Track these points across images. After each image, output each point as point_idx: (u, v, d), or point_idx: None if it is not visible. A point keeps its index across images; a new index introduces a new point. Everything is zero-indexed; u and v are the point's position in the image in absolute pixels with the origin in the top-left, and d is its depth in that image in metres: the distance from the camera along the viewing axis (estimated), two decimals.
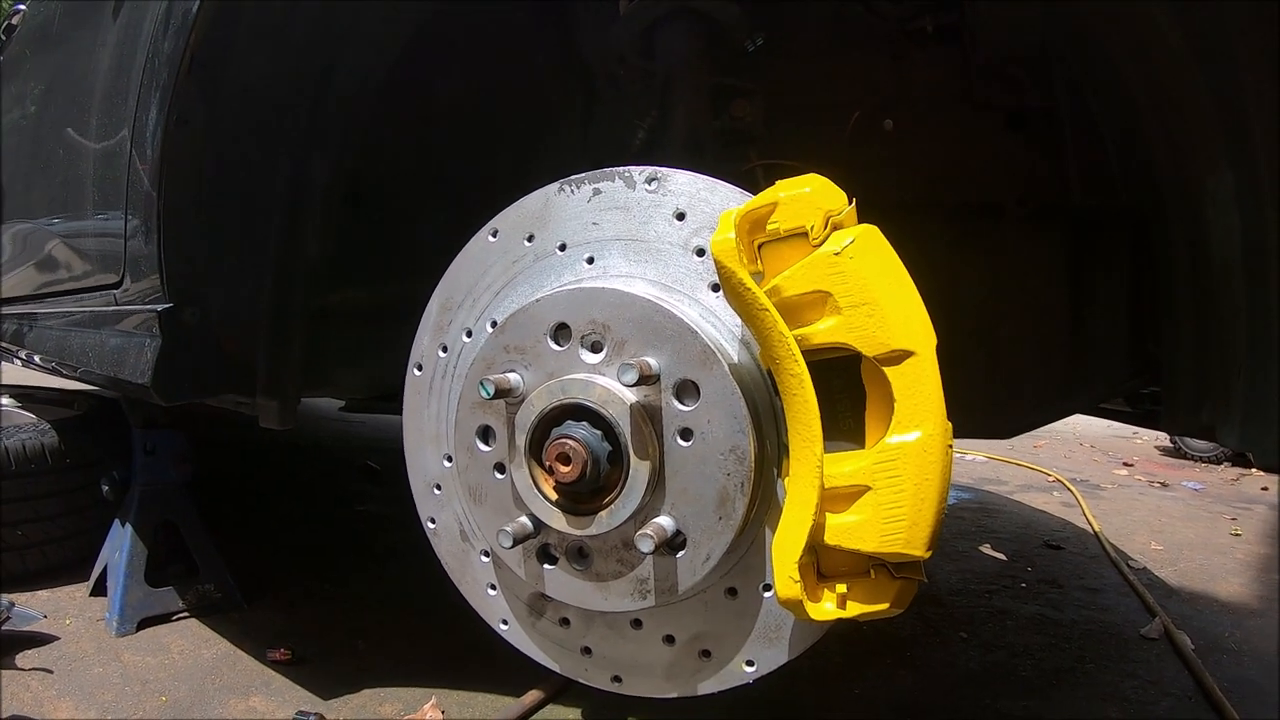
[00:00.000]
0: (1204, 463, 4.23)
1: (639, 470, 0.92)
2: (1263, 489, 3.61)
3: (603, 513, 0.94)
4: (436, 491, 1.16)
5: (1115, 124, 1.38)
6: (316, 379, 1.60)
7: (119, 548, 1.96)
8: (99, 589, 2.05)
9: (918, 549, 0.83)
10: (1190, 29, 1.03)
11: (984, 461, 4.05)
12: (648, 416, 0.91)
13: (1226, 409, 1.15)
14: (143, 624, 1.91)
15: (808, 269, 0.81)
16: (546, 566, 1.04)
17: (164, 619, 1.95)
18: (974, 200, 1.61)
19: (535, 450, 0.97)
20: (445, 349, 1.14)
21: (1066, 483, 3.63)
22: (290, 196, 1.42)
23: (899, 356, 0.79)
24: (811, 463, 0.80)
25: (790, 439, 0.83)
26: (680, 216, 0.98)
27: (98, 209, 1.64)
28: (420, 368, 1.16)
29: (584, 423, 0.93)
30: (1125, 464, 4.18)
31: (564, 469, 0.90)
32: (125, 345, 1.47)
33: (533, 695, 1.59)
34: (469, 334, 1.11)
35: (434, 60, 1.60)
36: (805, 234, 0.82)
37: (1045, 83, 1.50)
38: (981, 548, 2.72)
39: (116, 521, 2.04)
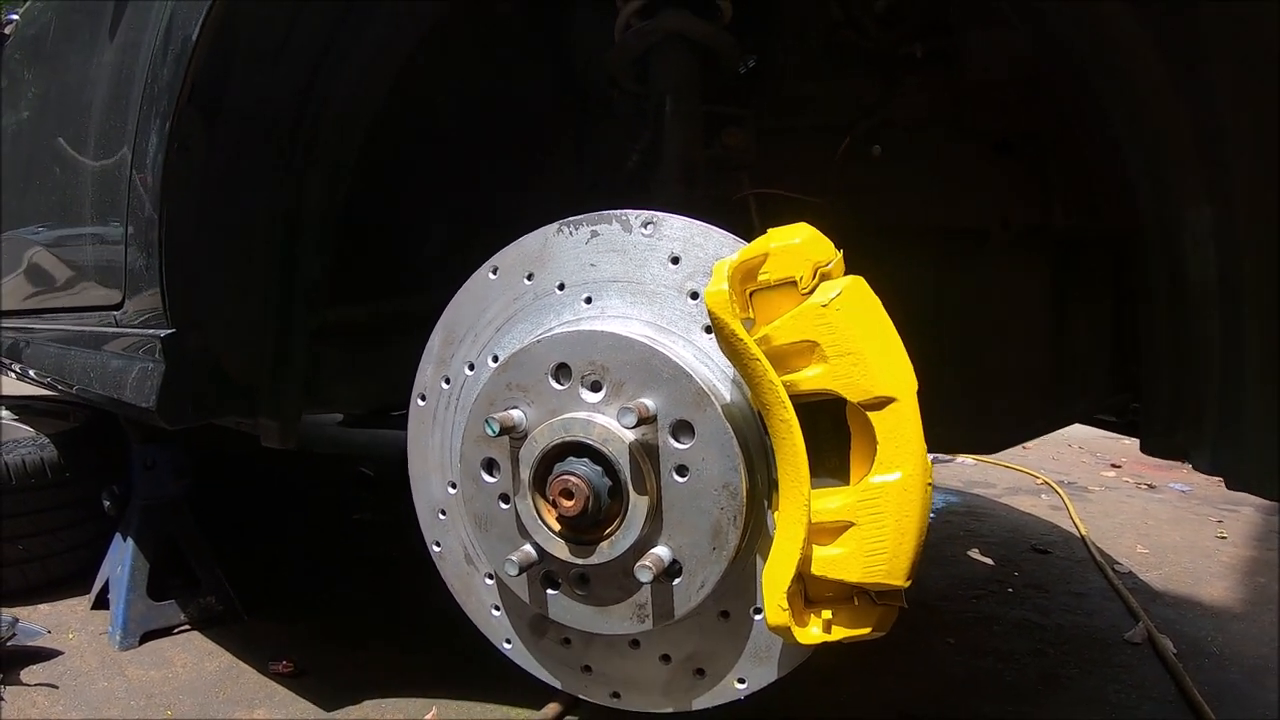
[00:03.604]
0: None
1: (638, 505, 0.97)
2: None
3: (604, 543, 0.99)
4: (441, 517, 1.21)
5: (1099, 152, 1.40)
6: (316, 396, 1.63)
7: (120, 562, 1.98)
8: (101, 602, 2.07)
9: (898, 579, 0.88)
10: (1171, 61, 1.03)
11: (972, 464, 4.08)
12: (646, 454, 0.96)
13: (1199, 435, 1.18)
14: (145, 637, 1.94)
15: (797, 319, 0.85)
16: (550, 591, 1.09)
17: (166, 632, 1.97)
18: (960, 223, 1.64)
19: (539, 484, 1.02)
20: (448, 381, 1.18)
21: (1054, 485, 3.67)
22: (290, 217, 1.44)
23: (882, 402, 0.83)
24: (799, 501, 0.84)
25: (779, 478, 0.87)
26: (675, 260, 1.02)
27: (96, 229, 1.66)
28: (424, 398, 1.20)
29: (585, 459, 0.98)
30: (1113, 465, 4.20)
31: (567, 503, 0.95)
32: (127, 368, 1.49)
33: (552, 708, 1.61)
34: (471, 367, 1.15)
35: (431, 80, 1.62)
36: (795, 283, 0.86)
37: (1032, 108, 1.53)
38: (969, 552, 2.76)
39: (118, 535, 2.06)
